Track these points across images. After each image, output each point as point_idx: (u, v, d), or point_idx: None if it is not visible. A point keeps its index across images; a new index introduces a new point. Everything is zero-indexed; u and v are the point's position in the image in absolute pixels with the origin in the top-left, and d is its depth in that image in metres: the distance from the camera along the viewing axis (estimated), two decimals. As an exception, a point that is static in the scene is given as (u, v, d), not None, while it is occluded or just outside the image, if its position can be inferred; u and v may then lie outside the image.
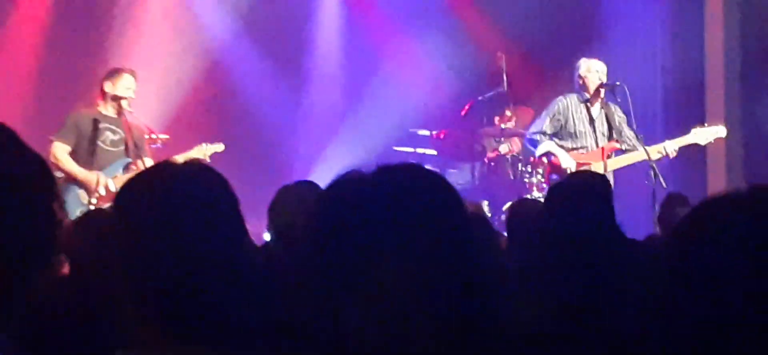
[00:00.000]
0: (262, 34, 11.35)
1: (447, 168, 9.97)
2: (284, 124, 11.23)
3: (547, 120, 8.46)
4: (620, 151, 8.44)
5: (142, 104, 8.42)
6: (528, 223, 3.83)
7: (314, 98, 11.70)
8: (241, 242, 1.99)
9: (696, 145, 8.47)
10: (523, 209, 4.37)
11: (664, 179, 8.14)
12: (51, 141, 7.86)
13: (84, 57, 9.92)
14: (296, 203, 3.98)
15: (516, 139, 10.16)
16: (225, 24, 11.39)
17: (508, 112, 10.16)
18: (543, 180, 8.98)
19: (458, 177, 10.07)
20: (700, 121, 8.72)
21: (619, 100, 8.47)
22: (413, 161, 1.76)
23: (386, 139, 10.90)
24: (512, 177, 9.43)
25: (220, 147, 8.46)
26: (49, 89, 9.90)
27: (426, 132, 10.20)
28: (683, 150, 8.38)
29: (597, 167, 8.04)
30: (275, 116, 11.25)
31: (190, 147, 8.39)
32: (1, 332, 1.61)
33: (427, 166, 1.76)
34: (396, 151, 10.37)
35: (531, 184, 9.10)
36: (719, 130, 8.44)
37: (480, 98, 9.67)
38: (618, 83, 8.43)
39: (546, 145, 8.43)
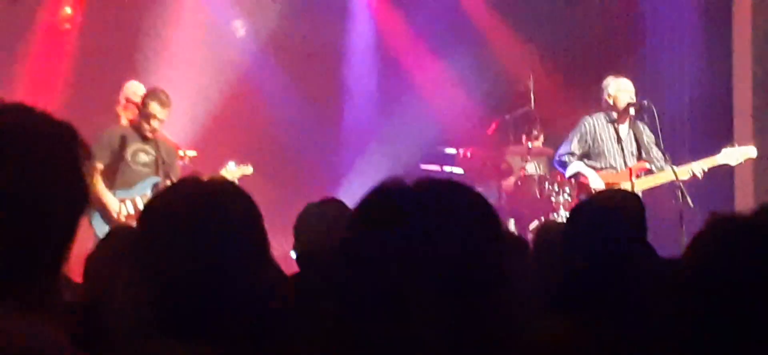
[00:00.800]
0: (291, 52, 11.41)
1: (473, 186, 9.93)
2: (311, 142, 11.27)
3: (575, 141, 8.43)
4: (649, 172, 8.39)
5: (169, 121, 8.48)
6: (554, 245, 3.82)
7: (341, 116, 11.74)
8: (262, 259, 2.00)
9: (725, 165, 8.41)
10: (549, 231, 4.36)
11: (691, 199, 8.09)
12: None
13: (113, 74, 10.01)
14: (321, 220, 3.98)
15: (543, 158, 10.14)
16: (254, 42, 11.47)
17: (535, 131, 10.15)
18: (570, 199, 8.96)
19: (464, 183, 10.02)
20: (728, 141, 8.65)
21: (646, 119, 8.43)
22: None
23: (413, 156, 10.91)
24: (539, 196, 9.40)
25: (248, 169, 8.50)
26: (78, 106, 9.96)
27: (452, 150, 10.20)
28: (710, 169, 8.32)
29: (625, 187, 8.00)
30: (302, 134, 11.30)
31: (217, 164, 8.44)
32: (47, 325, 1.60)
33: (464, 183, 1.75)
34: (422, 169, 10.36)
35: (557, 203, 9.08)
36: (749, 151, 8.36)
37: (507, 117, 9.67)
38: (646, 103, 8.39)
39: (575, 166, 8.40)
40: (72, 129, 1.69)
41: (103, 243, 3.71)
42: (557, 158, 8.70)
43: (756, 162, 9.11)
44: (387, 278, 1.56)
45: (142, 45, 10.71)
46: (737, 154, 8.30)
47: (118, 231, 4.10)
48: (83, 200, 1.66)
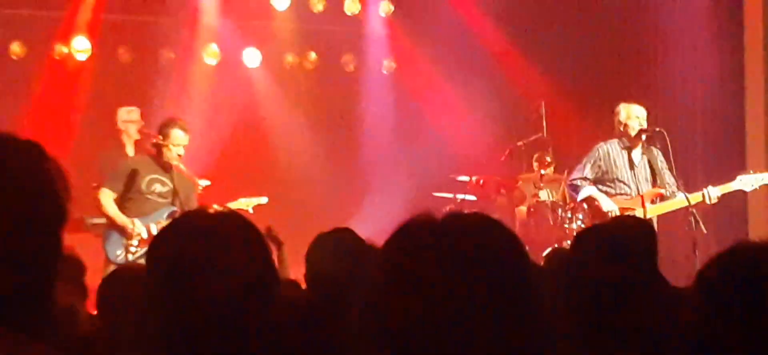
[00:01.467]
0: (305, 82, 11.53)
1: (500, 220, 9.92)
2: (325, 171, 11.30)
3: (588, 166, 8.44)
4: (663, 197, 8.37)
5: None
6: (563, 272, 3.81)
7: (354, 144, 11.77)
8: (268, 289, 2.00)
9: (739, 190, 8.38)
10: (557, 257, 4.35)
11: (704, 225, 8.07)
12: (97, 187, 8.01)
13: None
14: (332, 250, 3.97)
15: (556, 185, 10.14)
16: (267, 72, 11.58)
17: (547, 158, 10.14)
18: (583, 225, 8.95)
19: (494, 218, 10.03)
20: (741, 165, 8.62)
21: (659, 146, 8.44)
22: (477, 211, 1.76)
23: (426, 184, 10.92)
24: (552, 223, 9.39)
25: (263, 199, 8.53)
26: (94, 137, 10.04)
27: (465, 177, 10.20)
28: (724, 195, 8.29)
29: (638, 213, 8.00)
30: (316, 162, 11.35)
31: (231, 193, 8.48)
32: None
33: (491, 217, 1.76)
34: (435, 196, 10.36)
35: (571, 230, 9.08)
36: (765, 177, 8.33)
37: (520, 143, 9.67)
38: (658, 129, 8.40)
39: (587, 190, 8.40)
40: (39, 146, 1.64)
41: (113, 277, 3.73)
42: (570, 183, 8.70)
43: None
44: (424, 314, 1.57)
45: (156, 77, 10.83)
46: (753, 181, 8.26)
47: (126, 266, 4.12)
48: (60, 216, 1.62)
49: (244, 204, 8.35)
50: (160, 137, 8.10)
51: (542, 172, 9.95)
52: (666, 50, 10.93)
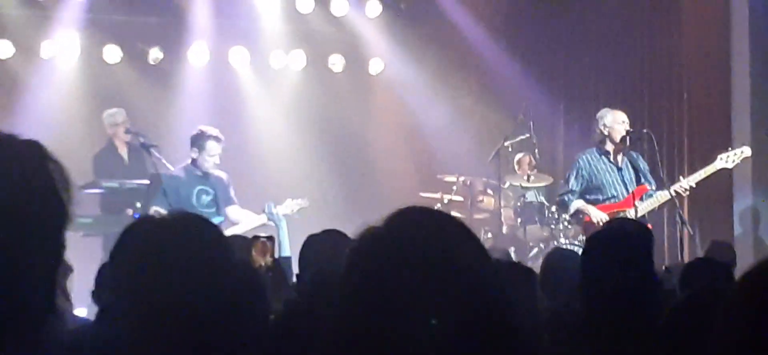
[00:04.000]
0: (290, 83, 11.56)
1: (473, 214, 9.99)
2: (311, 171, 11.31)
3: (572, 178, 8.54)
4: (649, 195, 8.42)
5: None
6: (563, 271, 3.85)
7: (341, 145, 11.77)
8: (232, 287, 2.02)
9: (725, 175, 8.45)
10: (558, 257, 4.40)
11: (690, 227, 8.16)
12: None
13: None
14: (322, 251, 3.99)
15: (543, 186, 10.19)
16: (254, 76, 11.63)
17: (534, 159, 10.20)
18: (569, 226, 9.02)
19: (484, 223, 10.10)
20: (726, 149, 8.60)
21: (646, 147, 8.53)
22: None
23: (413, 184, 10.95)
24: (539, 224, 9.45)
25: (305, 203, 8.81)
26: (81, 137, 10.01)
27: (452, 178, 10.23)
28: (710, 186, 8.33)
29: (629, 214, 8.07)
30: (302, 163, 11.38)
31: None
32: None
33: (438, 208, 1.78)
34: (422, 197, 10.39)
35: (557, 230, 9.15)
36: (744, 151, 8.39)
37: (507, 144, 9.71)
38: (645, 131, 8.51)
39: (575, 204, 8.48)
40: (39, 146, 1.62)
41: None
42: (558, 199, 8.80)
43: (754, 169, 9.22)
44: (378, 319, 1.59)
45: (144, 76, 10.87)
46: (733, 156, 8.30)
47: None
48: (62, 217, 1.59)
49: (286, 208, 8.57)
50: (195, 150, 8.41)
51: (529, 173, 10.01)
52: (652, 34, 10.97)
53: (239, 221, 8.51)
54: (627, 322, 2.76)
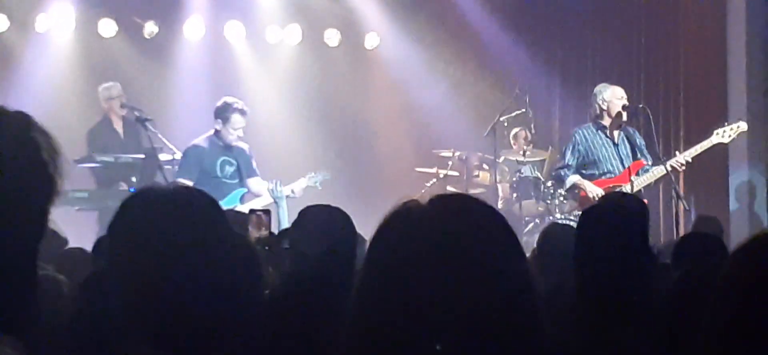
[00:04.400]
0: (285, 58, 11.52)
1: (469, 189, 9.99)
2: (306, 145, 11.30)
3: (569, 153, 8.53)
4: (645, 170, 8.43)
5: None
6: (560, 246, 3.85)
7: (336, 119, 11.77)
8: (228, 259, 2.03)
9: (721, 149, 8.44)
10: (555, 232, 4.40)
11: (686, 202, 8.16)
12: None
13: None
14: (313, 224, 3.99)
15: (539, 161, 10.20)
16: (250, 50, 11.60)
17: (530, 134, 10.21)
18: (565, 201, 9.03)
19: (480, 198, 10.08)
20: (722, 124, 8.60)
21: (642, 122, 8.53)
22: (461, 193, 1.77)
23: (409, 159, 10.95)
24: (535, 198, 9.45)
25: (327, 175, 8.90)
26: (76, 110, 10.00)
27: (448, 153, 10.23)
28: (709, 163, 8.33)
29: (625, 189, 8.07)
30: (296, 136, 11.37)
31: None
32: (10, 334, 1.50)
33: (476, 197, 1.77)
34: (418, 171, 10.40)
35: (553, 205, 9.15)
36: (740, 125, 8.40)
37: (502, 119, 9.70)
38: (641, 107, 8.52)
39: (572, 179, 8.48)
40: (26, 116, 1.56)
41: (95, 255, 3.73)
42: (553, 174, 8.81)
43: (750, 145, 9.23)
44: (411, 301, 1.57)
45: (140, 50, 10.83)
46: (729, 131, 8.31)
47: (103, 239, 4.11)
48: (48, 190, 1.55)
49: (309, 181, 8.63)
50: (219, 122, 8.36)
51: (525, 148, 10.02)
52: (649, 7, 10.97)
53: (261, 193, 8.48)
54: (621, 296, 2.77)
